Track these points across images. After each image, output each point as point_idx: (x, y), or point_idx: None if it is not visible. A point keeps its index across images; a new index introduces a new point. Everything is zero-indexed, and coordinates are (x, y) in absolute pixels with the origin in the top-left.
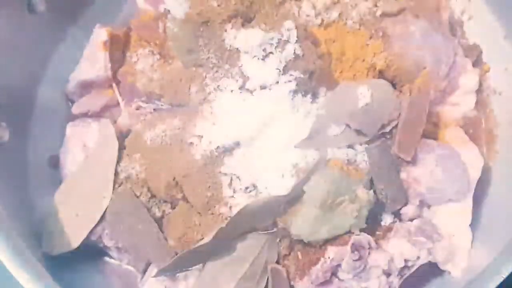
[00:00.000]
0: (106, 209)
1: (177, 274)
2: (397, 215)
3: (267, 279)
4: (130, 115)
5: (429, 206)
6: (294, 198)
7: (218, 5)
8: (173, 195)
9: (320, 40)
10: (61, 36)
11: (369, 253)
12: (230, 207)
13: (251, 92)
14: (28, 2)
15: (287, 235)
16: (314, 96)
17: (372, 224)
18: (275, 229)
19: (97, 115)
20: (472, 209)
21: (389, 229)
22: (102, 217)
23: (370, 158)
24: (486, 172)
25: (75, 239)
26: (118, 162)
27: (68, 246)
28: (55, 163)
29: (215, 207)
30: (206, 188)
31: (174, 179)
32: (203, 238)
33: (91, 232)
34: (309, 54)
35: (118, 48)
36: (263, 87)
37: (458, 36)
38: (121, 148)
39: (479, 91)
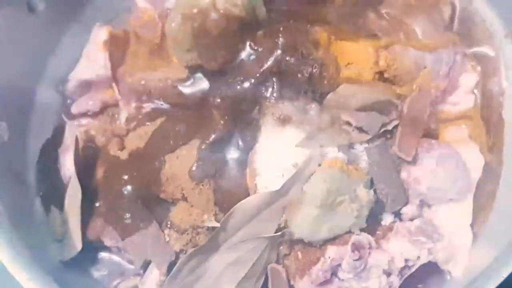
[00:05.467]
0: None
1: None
2: (397, 214)
3: (266, 278)
4: (130, 114)
5: (429, 206)
6: (292, 197)
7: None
8: (173, 194)
9: (320, 40)
10: (60, 35)
11: (369, 253)
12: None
13: None
14: (28, 0)
15: (288, 234)
16: (315, 95)
17: (372, 223)
18: (278, 234)
19: (96, 114)
20: (472, 208)
21: (389, 228)
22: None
23: (370, 158)
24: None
25: (78, 241)
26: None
27: (75, 249)
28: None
29: (216, 206)
30: (207, 187)
31: (173, 177)
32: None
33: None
34: (309, 54)
35: (118, 47)
36: None
37: (459, 34)
38: (122, 148)
39: (480, 89)
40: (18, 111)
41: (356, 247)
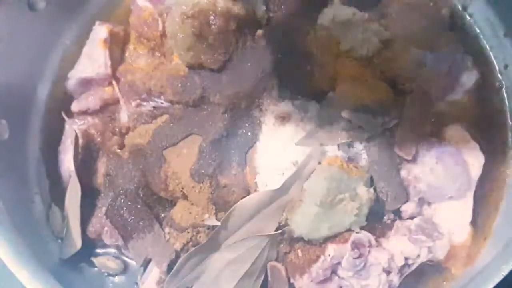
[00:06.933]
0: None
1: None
2: (397, 213)
3: (266, 276)
4: (130, 113)
5: (429, 204)
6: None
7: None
8: (174, 192)
9: (320, 40)
10: (61, 33)
11: (369, 251)
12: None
13: None
14: None
15: (288, 232)
16: (315, 94)
17: (372, 222)
18: (278, 232)
19: (96, 112)
20: (472, 207)
21: (389, 227)
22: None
23: (370, 156)
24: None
25: (78, 239)
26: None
27: (75, 247)
28: None
29: (216, 205)
30: (207, 186)
31: (174, 176)
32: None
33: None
34: (309, 53)
35: (118, 45)
36: None
37: (459, 34)
38: (122, 146)
39: (480, 88)
40: (18, 109)
41: (356, 245)
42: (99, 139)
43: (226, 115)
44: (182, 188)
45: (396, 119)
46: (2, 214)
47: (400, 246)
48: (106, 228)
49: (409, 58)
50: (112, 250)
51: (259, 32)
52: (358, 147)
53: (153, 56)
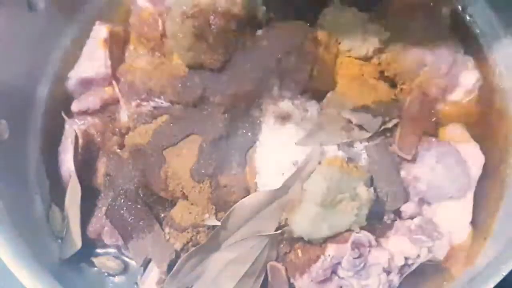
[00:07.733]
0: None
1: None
2: (397, 213)
3: (266, 276)
4: (130, 113)
5: (429, 204)
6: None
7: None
8: (174, 192)
9: (320, 38)
10: (60, 33)
11: (369, 251)
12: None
13: None
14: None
15: (288, 232)
16: (315, 93)
17: (372, 222)
18: (278, 232)
19: (96, 112)
20: (472, 207)
21: (389, 227)
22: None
23: (370, 156)
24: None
25: (78, 239)
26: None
27: (75, 247)
28: None
29: (216, 205)
30: (207, 186)
31: (174, 176)
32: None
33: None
34: (309, 53)
35: (118, 45)
36: None
37: (459, 34)
38: (122, 146)
39: (480, 88)
40: (18, 110)
41: (356, 245)
42: (99, 139)
43: (226, 115)
44: (182, 188)
45: (396, 119)
46: (2, 214)
47: (400, 246)
48: (106, 228)
49: (409, 58)
50: (112, 250)
51: (259, 32)
52: (358, 147)
53: (153, 56)
